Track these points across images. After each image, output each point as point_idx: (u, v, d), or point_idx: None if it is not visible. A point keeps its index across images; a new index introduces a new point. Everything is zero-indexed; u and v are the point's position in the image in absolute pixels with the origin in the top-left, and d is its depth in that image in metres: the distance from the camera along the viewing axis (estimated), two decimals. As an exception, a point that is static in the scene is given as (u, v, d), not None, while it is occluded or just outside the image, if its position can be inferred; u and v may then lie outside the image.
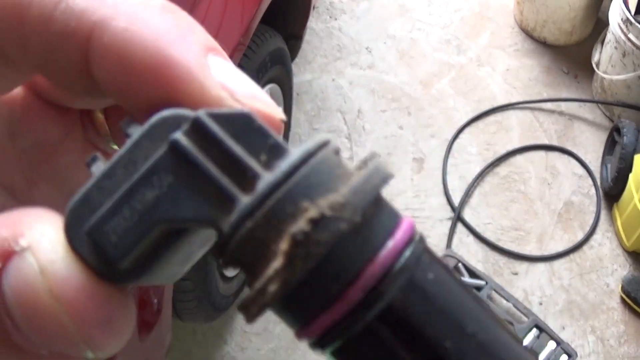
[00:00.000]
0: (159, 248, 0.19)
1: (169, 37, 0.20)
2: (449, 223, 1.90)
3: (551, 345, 1.63)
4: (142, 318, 1.06)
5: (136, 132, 0.19)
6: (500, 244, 1.86)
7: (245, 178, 0.19)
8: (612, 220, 1.93)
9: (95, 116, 0.27)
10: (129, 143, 0.19)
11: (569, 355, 1.62)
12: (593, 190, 1.99)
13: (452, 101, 2.16)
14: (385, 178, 0.19)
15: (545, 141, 2.08)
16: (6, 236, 0.18)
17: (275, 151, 0.19)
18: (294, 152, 0.19)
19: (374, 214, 0.19)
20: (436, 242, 1.87)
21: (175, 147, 0.19)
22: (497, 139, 2.07)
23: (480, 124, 2.11)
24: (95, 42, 0.20)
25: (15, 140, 0.25)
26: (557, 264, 1.85)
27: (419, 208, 1.94)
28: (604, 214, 1.95)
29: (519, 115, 2.13)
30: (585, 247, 1.89)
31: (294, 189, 0.18)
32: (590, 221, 1.93)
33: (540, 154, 2.05)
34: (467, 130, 2.09)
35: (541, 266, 1.84)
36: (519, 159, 2.04)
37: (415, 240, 0.20)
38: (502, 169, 2.01)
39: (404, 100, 2.19)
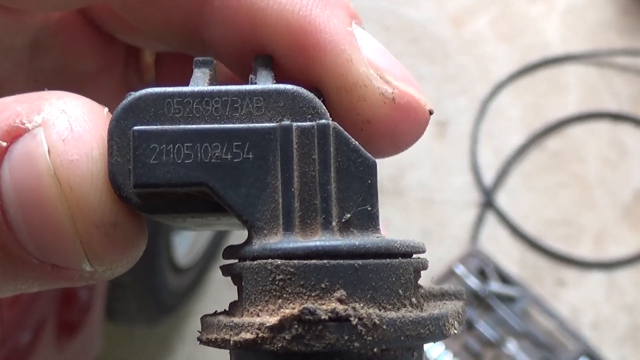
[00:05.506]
0: (185, 203, 0.19)
1: None
2: (477, 210, 1.77)
3: (606, 385, 1.51)
4: (63, 317, 0.96)
5: (263, 81, 0.20)
6: (544, 241, 1.73)
7: (313, 219, 0.19)
8: (698, 220, 1.76)
9: (144, 57, 0.27)
10: (247, 86, 0.20)
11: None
12: (674, 179, 1.81)
13: (491, 47, 1.99)
14: (439, 336, 0.19)
15: (612, 108, 1.88)
16: (20, 111, 0.18)
17: (364, 220, 0.19)
18: (377, 239, 0.19)
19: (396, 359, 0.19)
20: (458, 235, 1.73)
21: (286, 134, 0.19)
22: (548, 102, 1.91)
23: (526, 80, 1.94)
24: None
25: (38, 58, 0.25)
26: (620, 274, 1.69)
27: (437, 188, 1.82)
28: (687, 212, 1.79)
29: (580, 72, 1.94)
30: (659, 255, 1.73)
31: (346, 272, 0.18)
32: (668, 220, 1.76)
33: (605, 125, 1.87)
34: (508, 88, 1.94)
35: (598, 275, 1.69)
36: (575, 129, 1.86)
37: None
38: (553, 142, 1.85)
39: (427, 43, 2.07)
